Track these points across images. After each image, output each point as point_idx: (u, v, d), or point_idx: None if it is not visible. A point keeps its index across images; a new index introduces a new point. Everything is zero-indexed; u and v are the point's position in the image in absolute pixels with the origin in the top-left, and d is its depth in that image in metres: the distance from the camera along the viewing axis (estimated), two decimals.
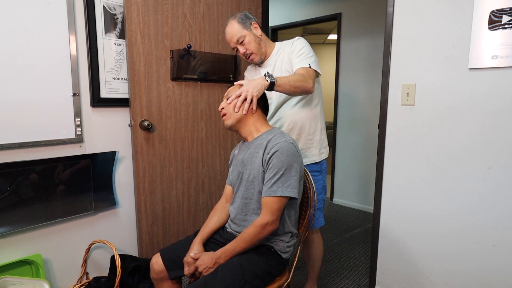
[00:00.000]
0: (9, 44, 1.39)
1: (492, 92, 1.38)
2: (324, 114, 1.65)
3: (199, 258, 1.16)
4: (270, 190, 1.13)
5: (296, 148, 1.19)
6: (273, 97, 1.57)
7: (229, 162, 1.40)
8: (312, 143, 1.58)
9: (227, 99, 1.25)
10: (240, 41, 1.52)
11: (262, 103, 1.30)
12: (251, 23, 1.54)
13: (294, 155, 1.16)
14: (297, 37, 1.57)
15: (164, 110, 1.81)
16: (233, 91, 1.26)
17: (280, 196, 1.12)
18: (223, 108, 1.26)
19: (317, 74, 1.48)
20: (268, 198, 1.13)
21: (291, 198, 1.17)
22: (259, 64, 1.62)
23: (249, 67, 1.75)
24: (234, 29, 1.52)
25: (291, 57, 1.52)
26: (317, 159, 1.59)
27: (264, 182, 1.15)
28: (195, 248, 1.22)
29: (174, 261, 1.24)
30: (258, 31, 1.56)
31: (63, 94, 1.56)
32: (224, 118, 1.26)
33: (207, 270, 1.12)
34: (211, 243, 1.29)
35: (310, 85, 1.38)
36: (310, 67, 1.43)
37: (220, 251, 1.16)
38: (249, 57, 1.57)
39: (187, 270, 1.18)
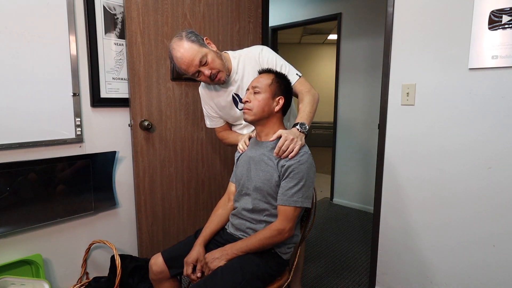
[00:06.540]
0: (9, 44, 1.39)
1: (492, 92, 1.38)
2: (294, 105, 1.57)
3: (206, 256, 1.17)
4: (291, 199, 1.13)
5: (312, 158, 1.20)
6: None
7: (236, 159, 1.38)
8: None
9: (254, 92, 1.21)
10: (203, 61, 1.29)
11: (285, 104, 1.25)
12: (204, 39, 1.34)
13: (313, 166, 1.19)
14: (259, 47, 1.45)
15: (164, 110, 1.81)
16: (258, 82, 1.23)
17: (300, 207, 1.15)
18: (247, 101, 1.21)
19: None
20: (287, 207, 1.14)
21: None
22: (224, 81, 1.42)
23: (201, 89, 1.54)
24: (191, 51, 1.28)
25: None
26: None
27: (283, 190, 1.15)
28: (196, 249, 1.22)
29: (175, 260, 1.25)
30: (214, 46, 1.38)
31: (63, 94, 1.56)
32: (247, 112, 1.21)
33: (214, 261, 1.13)
34: (212, 244, 1.29)
35: (317, 95, 1.38)
36: (299, 76, 1.41)
37: (229, 246, 1.17)
38: (216, 77, 1.34)
39: (186, 270, 1.19)
